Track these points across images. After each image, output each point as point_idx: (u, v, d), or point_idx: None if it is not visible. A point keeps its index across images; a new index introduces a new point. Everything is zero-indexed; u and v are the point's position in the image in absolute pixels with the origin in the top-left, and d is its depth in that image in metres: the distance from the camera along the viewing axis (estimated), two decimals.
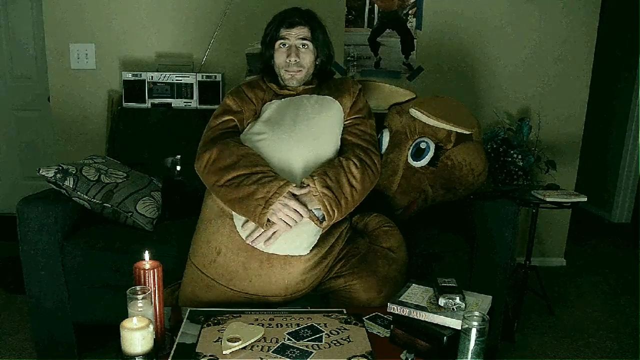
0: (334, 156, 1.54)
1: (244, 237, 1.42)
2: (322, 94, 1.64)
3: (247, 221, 1.42)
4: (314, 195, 1.39)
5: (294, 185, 1.40)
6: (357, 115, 1.64)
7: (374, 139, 1.64)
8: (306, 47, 1.60)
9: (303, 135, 1.51)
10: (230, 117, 1.59)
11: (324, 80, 1.70)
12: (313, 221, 1.41)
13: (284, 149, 1.48)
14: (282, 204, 1.36)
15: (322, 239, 1.47)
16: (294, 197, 1.39)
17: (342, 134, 1.61)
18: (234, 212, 1.45)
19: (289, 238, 1.40)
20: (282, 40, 1.60)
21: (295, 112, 1.56)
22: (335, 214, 1.41)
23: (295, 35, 1.59)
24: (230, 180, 1.41)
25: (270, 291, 1.43)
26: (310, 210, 1.40)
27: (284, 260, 1.41)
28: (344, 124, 1.63)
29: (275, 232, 1.38)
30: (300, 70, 1.61)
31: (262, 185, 1.37)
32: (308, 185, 1.41)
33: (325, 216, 1.41)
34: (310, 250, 1.44)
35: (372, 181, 1.55)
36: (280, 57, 1.61)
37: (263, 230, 1.38)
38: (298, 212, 1.37)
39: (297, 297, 1.48)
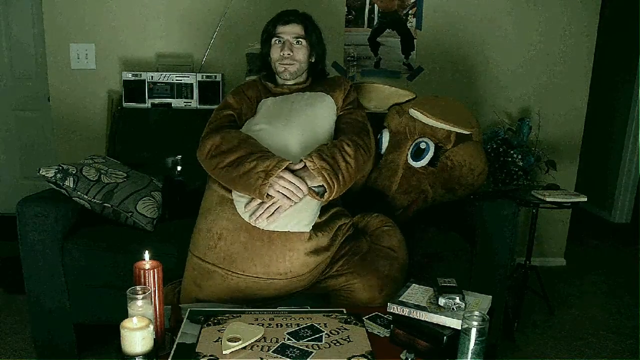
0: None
1: (246, 219, 1.44)
2: (315, 91, 1.71)
3: (249, 202, 1.45)
4: (312, 170, 1.43)
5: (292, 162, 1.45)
6: (348, 107, 1.72)
7: (364, 125, 1.70)
8: (300, 43, 1.69)
9: (299, 124, 1.58)
10: (231, 112, 1.68)
11: (317, 79, 1.78)
12: (313, 197, 1.44)
13: (282, 138, 1.55)
14: (279, 177, 1.40)
15: (323, 228, 1.50)
16: (292, 172, 1.43)
17: (335, 125, 1.67)
18: (234, 196, 1.48)
19: (290, 215, 1.43)
20: (277, 37, 1.69)
21: (290, 105, 1.64)
22: (335, 186, 1.45)
23: (290, 32, 1.68)
24: (232, 162, 1.46)
25: (272, 272, 1.44)
26: (310, 188, 1.43)
27: (284, 237, 1.43)
28: (337, 116, 1.69)
29: (278, 208, 1.41)
30: (293, 64, 1.69)
31: (262, 161, 1.42)
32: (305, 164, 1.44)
33: (326, 188, 1.44)
34: (311, 232, 1.45)
35: (365, 160, 1.59)
36: (275, 52, 1.70)
37: (266, 207, 1.41)
38: (295, 184, 1.40)
39: (298, 284, 1.48)
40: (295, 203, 1.42)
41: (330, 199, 1.48)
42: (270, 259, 1.43)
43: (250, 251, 1.43)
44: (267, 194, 1.40)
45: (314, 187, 1.45)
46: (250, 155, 1.45)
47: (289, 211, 1.42)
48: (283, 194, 1.40)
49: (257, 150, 1.47)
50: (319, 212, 1.50)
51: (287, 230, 1.43)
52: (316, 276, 1.53)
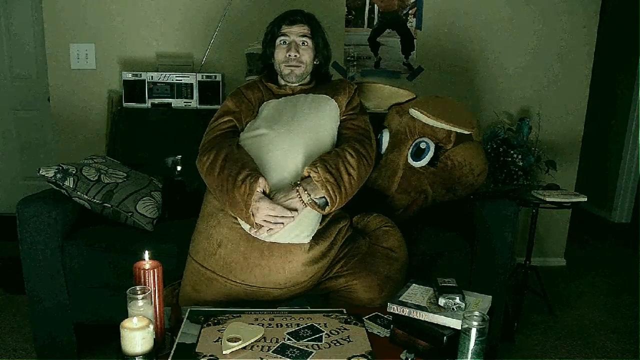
0: (332, 150, 1.57)
1: (246, 229, 1.44)
2: (318, 93, 1.67)
3: None
4: (317, 182, 1.41)
5: (262, 182, 1.40)
6: (351, 112, 1.68)
7: (367, 133, 1.67)
8: (306, 44, 1.65)
9: (301, 130, 1.54)
10: (229, 118, 1.63)
11: (321, 82, 1.74)
12: (315, 209, 1.43)
13: (284, 144, 1.51)
14: (256, 209, 1.37)
15: (323, 235, 1.49)
16: (266, 197, 1.40)
17: (338, 130, 1.64)
18: None
19: (291, 227, 1.42)
20: (283, 37, 1.64)
21: (293, 109, 1.60)
22: (337, 199, 1.43)
23: (296, 32, 1.63)
24: (221, 187, 1.44)
25: (270, 282, 1.44)
26: (312, 201, 1.42)
27: (284, 249, 1.43)
28: (340, 120, 1.66)
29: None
30: (299, 66, 1.64)
31: (238, 189, 1.39)
32: (309, 175, 1.42)
33: (329, 201, 1.42)
34: (311, 242, 1.45)
35: (367, 170, 1.57)
36: (280, 53, 1.65)
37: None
38: (275, 215, 1.38)
39: (296, 291, 1.49)
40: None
41: (332, 211, 1.47)
42: (269, 270, 1.43)
43: (249, 261, 1.43)
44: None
45: (317, 199, 1.43)
46: (234, 178, 1.41)
47: (290, 224, 1.41)
48: (267, 220, 1.38)
49: (238, 171, 1.42)
50: (319, 222, 1.50)
51: (287, 242, 1.43)
52: (315, 282, 1.53)
